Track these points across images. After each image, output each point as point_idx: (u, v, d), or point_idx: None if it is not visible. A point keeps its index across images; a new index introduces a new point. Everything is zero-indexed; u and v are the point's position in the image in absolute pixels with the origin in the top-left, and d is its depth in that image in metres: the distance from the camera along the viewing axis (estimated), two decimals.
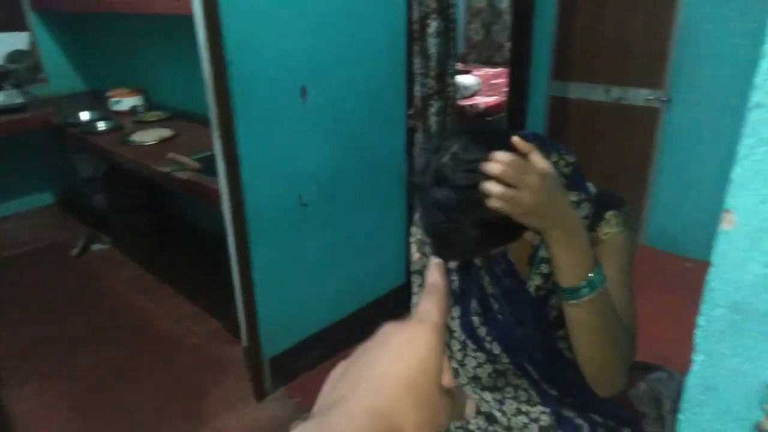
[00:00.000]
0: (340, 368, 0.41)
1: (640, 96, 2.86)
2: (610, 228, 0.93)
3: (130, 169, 2.44)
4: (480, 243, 0.79)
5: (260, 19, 1.66)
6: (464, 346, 1.02)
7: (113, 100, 3.03)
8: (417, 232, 1.07)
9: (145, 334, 2.50)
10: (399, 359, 0.38)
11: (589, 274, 0.77)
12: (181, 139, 2.56)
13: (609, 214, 0.93)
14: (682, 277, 2.68)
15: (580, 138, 3.13)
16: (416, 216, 1.07)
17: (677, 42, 2.66)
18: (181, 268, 3.04)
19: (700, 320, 0.59)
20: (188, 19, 1.62)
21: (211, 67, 1.57)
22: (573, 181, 0.91)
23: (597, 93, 3.01)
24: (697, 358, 0.60)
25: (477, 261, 0.98)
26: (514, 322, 0.95)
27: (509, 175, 0.71)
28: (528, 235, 0.94)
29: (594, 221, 0.94)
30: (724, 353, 0.58)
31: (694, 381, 0.61)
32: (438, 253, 0.83)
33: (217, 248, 2.27)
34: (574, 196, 0.90)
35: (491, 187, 0.72)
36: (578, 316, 0.80)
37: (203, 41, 1.56)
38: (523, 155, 0.74)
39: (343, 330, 2.28)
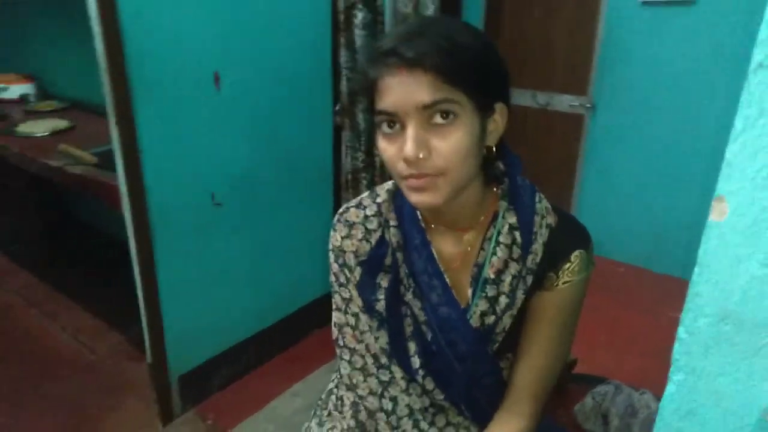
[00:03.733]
0: None
1: (564, 102, 2.88)
2: (572, 275, 0.79)
3: (15, 163, 2.13)
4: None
5: None
6: (391, 380, 0.86)
7: None
8: (335, 237, 0.87)
9: (35, 352, 2.19)
10: None
11: None
12: (78, 131, 2.29)
13: (576, 255, 0.79)
14: (616, 282, 2.69)
15: (508, 141, 3.12)
16: (335, 219, 0.90)
17: (600, 49, 2.70)
18: (79, 277, 2.72)
19: (681, 332, 0.49)
20: None
21: (105, 44, 1.36)
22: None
23: (525, 98, 3.01)
24: (676, 377, 0.50)
25: (405, 282, 0.82)
26: (451, 357, 0.81)
27: None
28: (468, 239, 0.82)
29: (554, 260, 0.79)
30: (709, 371, 0.48)
31: (670, 405, 0.51)
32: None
33: (120, 254, 2.03)
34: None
35: None
36: None
37: (94, 13, 1.34)
38: None
39: (262, 344, 2.09)
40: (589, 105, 2.78)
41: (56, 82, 2.84)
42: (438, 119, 0.67)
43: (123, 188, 1.55)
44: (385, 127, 0.70)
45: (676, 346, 0.50)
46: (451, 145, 0.67)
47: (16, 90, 2.67)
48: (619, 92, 2.70)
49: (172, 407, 1.86)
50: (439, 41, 0.65)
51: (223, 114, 1.71)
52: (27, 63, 2.90)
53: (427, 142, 0.67)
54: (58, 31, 2.71)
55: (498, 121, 0.74)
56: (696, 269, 0.47)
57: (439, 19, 0.72)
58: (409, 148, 0.66)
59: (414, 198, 0.71)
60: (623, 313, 2.38)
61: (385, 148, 0.70)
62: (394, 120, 0.68)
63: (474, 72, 0.67)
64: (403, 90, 0.65)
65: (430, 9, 4.71)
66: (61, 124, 2.30)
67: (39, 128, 2.23)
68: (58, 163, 1.88)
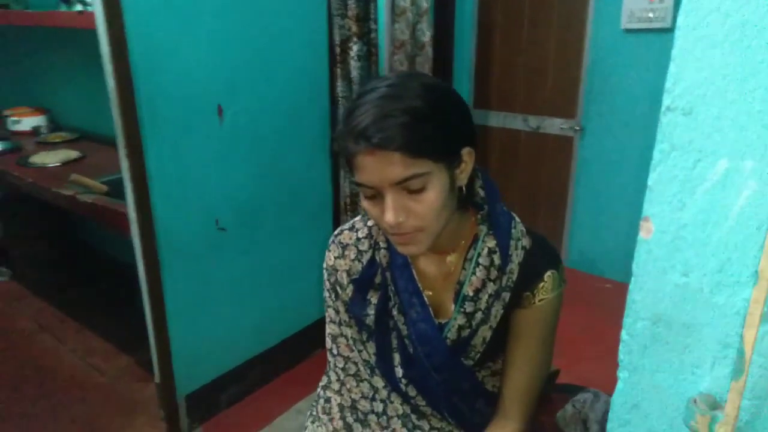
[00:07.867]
0: None
1: (555, 125, 2.98)
2: (546, 293, 0.87)
3: (29, 193, 2.23)
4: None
5: (170, 33, 1.57)
6: (375, 389, 0.95)
7: (12, 119, 2.78)
8: (329, 257, 0.98)
9: (46, 374, 2.25)
10: None
11: None
12: (88, 161, 2.38)
13: (548, 275, 0.87)
14: (602, 297, 2.76)
15: (501, 164, 3.22)
16: (330, 240, 1.00)
17: (587, 75, 2.80)
18: (89, 302, 2.79)
19: (623, 335, 0.57)
20: (95, 35, 1.50)
21: (116, 81, 1.46)
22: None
23: (516, 122, 3.11)
24: (622, 374, 0.58)
25: (393, 299, 0.90)
26: (429, 367, 0.89)
27: None
28: (451, 260, 0.90)
29: (529, 280, 0.87)
30: (647, 369, 0.56)
31: (619, 399, 0.59)
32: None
33: (129, 278, 2.11)
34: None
35: None
36: None
37: (107, 53, 1.45)
38: None
39: (267, 363, 2.15)
40: (578, 128, 2.88)
41: (66, 113, 2.96)
42: (411, 188, 0.74)
43: (132, 215, 1.64)
44: (366, 193, 0.78)
45: (621, 346, 0.58)
46: (426, 205, 0.75)
47: (29, 122, 2.78)
48: (605, 115, 2.80)
49: (180, 426, 1.92)
50: (402, 120, 0.70)
51: (227, 144, 1.81)
52: (38, 96, 3.02)
53: (404, 206, 0.75)
54: (68, 64, 2.83)
55: (467, 162, 0.81)
56: (632, 279, 0.55)
57: (402, 86, 0.75)
58: (389, 216, 0.74)
59: (400, 249, 0.81)
60: (609, 328, 2.43)
61: (369, 208, 0.79)
62: (374, 191, 0.76)
63: (438, 141, 0.74)
64: (377, 168, 0.72)
65: (426, 36, 4.87)
66: (72, 154, 2.40)
67: (51, 159, 2.33)
68: (70, 192, 1.97)
